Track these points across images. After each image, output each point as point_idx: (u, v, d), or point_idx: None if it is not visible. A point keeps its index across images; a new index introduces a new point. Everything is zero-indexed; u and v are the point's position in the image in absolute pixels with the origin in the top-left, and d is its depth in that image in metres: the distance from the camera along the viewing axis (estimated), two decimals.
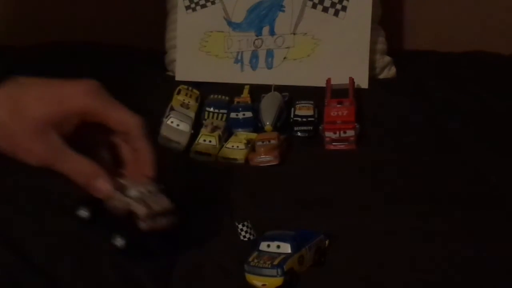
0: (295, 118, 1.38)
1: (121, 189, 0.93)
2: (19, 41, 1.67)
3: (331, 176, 1.24)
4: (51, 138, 0.91)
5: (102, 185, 0.91)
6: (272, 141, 1.30)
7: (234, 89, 1.48)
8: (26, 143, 0.90)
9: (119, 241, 0.91)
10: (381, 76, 1.58)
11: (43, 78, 0.92)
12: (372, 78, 1.53)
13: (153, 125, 1.33)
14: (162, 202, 0.91)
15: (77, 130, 0.93)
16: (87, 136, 0.94)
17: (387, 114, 1.42)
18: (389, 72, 1.58)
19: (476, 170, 1.24)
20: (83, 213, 0.94)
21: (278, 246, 0.98)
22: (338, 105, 1.36)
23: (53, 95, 0.91)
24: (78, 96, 0.92)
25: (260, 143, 1.30)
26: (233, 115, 1.39)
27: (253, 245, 1.01)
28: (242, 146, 1.30)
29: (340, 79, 1.44)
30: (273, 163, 1.27)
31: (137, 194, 0.91)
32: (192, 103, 1.41)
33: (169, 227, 0.92)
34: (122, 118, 0.94)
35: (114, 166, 0.96)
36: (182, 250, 1.06)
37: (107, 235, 0.91)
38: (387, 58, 1.58)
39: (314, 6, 1.53)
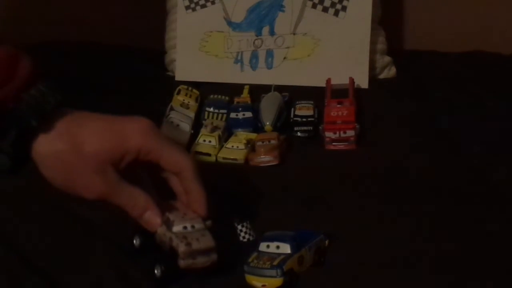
0: (295, 118, 1.38)
1: (168, 223, 0.94)
2: (19, 41, 1.67)
3: (331, 176, 1.24)
4: (109, 174, 0.92)
5: (152, 219, 0.94)
6: (272, 141, 1.30)
7: (234, 89, 1.48)
8: (85, 179, 0.92)
9: (157, 272, 0.92)
10: (381, 76, 1.58)
11: (96, 113, 0.95)
12: (372, 78, 1.53)
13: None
14: (204, 240, 0.91)
15: (128, 166, 0.94)
16: (135, 172, 0.96)
17: (387, 114, 1.42)
18: (389, 72, 1.58)
19: (476, 170, 1.24)
20: (136, 241, 0.96)
21: (278, 247, 0.98)
22: (338, 105, 1.36)
23: (112, 132, 0.93)
24: (136, 134, 0.93)
25: (260, 143, 1.30)
26: (233, 115, 1.39)
27: (253, 245, 1.01)
28: (242, 146, 1.30)
29: (340, 79, 1.44)
30: (273, 163, 1.27)
31: (180, 230, 0.92)
32: (192, 103, 1.41)
33: (209, 266, 0.92)
34: (176, 159, 0.95)
35: (160, 200, 0.97)
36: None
37: (150, 264, 0.93)
38: (387, 58, 1.58)
39: (314, 6, 1.53)
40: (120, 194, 0.93)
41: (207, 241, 0.92)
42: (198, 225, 0.93)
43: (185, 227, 0.92)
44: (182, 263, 0.91)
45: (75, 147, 0.91)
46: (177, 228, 0.93)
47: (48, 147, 0.92)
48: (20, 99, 0.90)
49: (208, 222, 0.95)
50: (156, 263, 0.93)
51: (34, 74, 0.92)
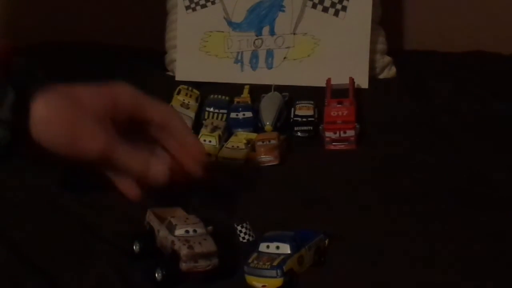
0: (295, 118, 1.38)
1: (170, 227, 0.95)
2: (19, 41, 1.67)
3: (331, 176, 1.24)
4: (110, 128, 0.94)
5: (161, 171, 0.95)
6: (272, 141, 1.30)
7: (234, 89, 1.48)
8: (89, 128, 0.92)
9: (158, 275, 0.92)
10: (381, 76, 1.58)
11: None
12: (372, 78, 1.53)
13: None
14: (206, 244, 0.92)
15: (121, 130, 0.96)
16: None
17: (387, 114, 1.42)
18: (389, 72, 1.58)
19: (476, 170, 1.24)
20: (135, 247, 0.97)
21: (278, 247, 0.98)
22: (338, 105, 1.36)
23: (103, 92, 0.95)
24: (125, 93, 0.97)
25: (260, 143, 1.29)
26: (233, 115, 1.39)
27: (253, 246, 1.01)
28: (242, 146, 1.30)
29: (340, 79, 1.44)
30: (273, 163, 1.27)
31: (183, 234, 0.93)
32: (192, 103, 1.41)
33: (210, 271, 0.93)
34: (165, 110, 0.99)
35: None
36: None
37: (151, 268, 0.94)
38: (387, 58, 1.58)
39: (314, 6, 1.53)
40: (121, 150, 0.94)
41: (209, 245, 0.93)
42: (200, 230, 0.94)
43: (187, 231, 0.94)
44: (184, 266, 0.92)
45: (74, 102, 0.92)
46: (179, 231, 0.93)
47: (48, 106, 0.91)
48: (9, 68, 0.91)
49: (210, 227, 0.96)
50: (157, 267, 0.93)
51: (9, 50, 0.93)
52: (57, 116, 0.92)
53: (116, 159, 0.94)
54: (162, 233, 0.95)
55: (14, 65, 0.93)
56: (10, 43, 0.95)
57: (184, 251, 0.91)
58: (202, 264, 0.91)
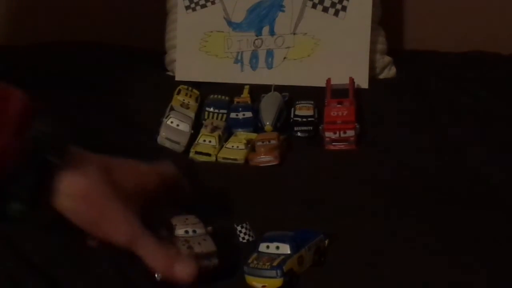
0: (295, 118, 1.38)
1: (170, 227, 0.94)
2: (19, 41, 1.67)
3: (331, 176, 1.24)
4: (137, 216, 0.85)
5: (187, 268, 0.88)
6: (272, 141, 1.30)
7: (234, 89, 1.48)
8: (120, 216, 0.84)
9: (158, 276, 0.90)
10: (381, 76, 1.58)
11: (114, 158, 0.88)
12: (372, 78, 1.53)
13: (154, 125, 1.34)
14: (205, 245, 0.93)
15: None
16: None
17: (387, 114, 1.42)
18: (389, 72, 1.58)
19: (476, 170, 1.24)
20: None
21: (277, 247, 0.98)
22: (338, 105, 1.36)
23: (139, 175, 0.88)
24: (172, 177, 0.93)
25: (260, 143, 1.30)
26: (233, 115, 1.39)
27: (253, 246, 1.01)
28: (242, 146, 1.30)
29: (340, 79, 1.44)
30: (273, 163, 1.27)
31: (182, 234, 0.93)
32: (192, 103, 1.41)
33: (209, 271, 0.93)
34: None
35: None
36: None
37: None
38: (387, 58, 1.58)
39: (314, 6, 1.53)
40: (144, 244, 0.86)
41: (209, 245, 0.93)
42: (199, 230, 0.95)
43: (186, 231, 0.94)
44: None
45: (110, 180, 0.83)
46: (179, 232, 0.94)
47: (79, 179, 0.82)
48: (24, 136, 0.80)
49: (209, 228, 0.96)
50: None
51: (29, 111, 0.81)
52: (86, 196, 0.82)
53: (137, 251, 0.87)
54: (162, 233, 0.94)
55: (37, 127, 0.82)
56: (30, 102, 0.82)
57: (182, 251, 0.92)
58: (202, 265, 0.91)
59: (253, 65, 1.54)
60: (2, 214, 0.79)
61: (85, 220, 0.83)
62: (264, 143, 1.29)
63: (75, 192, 0.82)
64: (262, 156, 1.28)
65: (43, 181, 0.80)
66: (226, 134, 1.36)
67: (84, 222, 0.83)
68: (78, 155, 0.82)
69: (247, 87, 1.47)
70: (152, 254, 0.87)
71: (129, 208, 0.84)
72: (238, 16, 1.55)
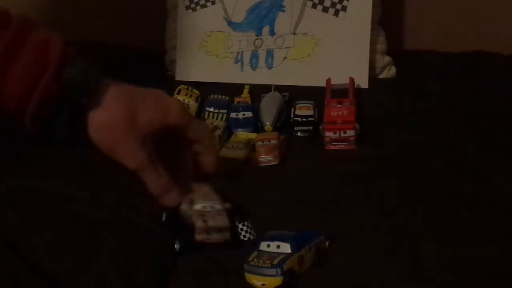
0: (295, 118, 1.38)
1: (190, 202, 1.03)
2: None
3: (331, 176, 1.24)
4: (149, 147, 1.00)
5: (174, 197, 1.03)
6: (272, 141, 1.29)
7: (234, 89, 1.48)
8: (131, 147, 0.99)
9: (177, 246, 1.02)
10: (381, 76, 1.58)
11: (137, 87, 1.03)
12: (372, 78, 1.53)
13: None
14: (220, 220, 1.01)
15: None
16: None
17: (387, 114, 1.42)
18: (389, 72, 1.58)
19: (476, 170, 1.24)
20: (163, 217, 1.04)
21: (278, 246, 0.98)
22: (338, 105, 1.36)
23: (159, 106, 1.01)
24: (176, 112, 1.02)
25: (260, 143, 1.29)
26: (233, 115, 1.39)
27: (253, 245, 1.01)
28: (242, 146, 1.31)
29: (340, 79, 1.44)
30: (273, 163, 1.27)
31: (200, 209, 1.02)
32: (192, 103, 1.41)
33: (221, 243, 1.02)
34: (204, 134, 1.06)
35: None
36: (182, 250, 1.07)
37: (172, 238, 1.03)
38: (387, 58, 1.58)
39: (314, 6, 1.53)
40: (151, 170, 1.01)
41: (222, 220, 1.01)
42: (216, 206, 1.02)
43: (204, 207, 1.02)
44: (197, 237, 1.01)
45: (129, 115, 0.98)
46: (197, 206, 1.02)
47: (102, 115, 0.97)
48: (61, 80, 0.95)
49: (227, 205, 1.03)
50: (176, 239, 1.02)
51: (67, 52, 0.97)
52: (106, 127, 0.98)
53: (143, 175, 1.01)
54: (183, 206, 1.03)
55: (70, 62, 0.97)
56: (62, 37, 0.99)
57: (198, 224, 1.00)
58: (215, 237, 1.00)
59: (253, 65, 1.54)
60: (49, 142, 0.98)
61: (106, 146, 0.98)
62: (264, 143, 1.29)
63: (99, 126, 0.97)
64: (262, 156, 1.28)
65: (77, 116, 0.96)
66: (226, 134, 1.36)
67: (105, 148, 0.98)
68: (106, 94, 0.97)
69: (247, 87, 1.47)
70: (153, 182, 1.01)
71: (141, 141, 0.98)
72: (238, 16, 1.55)
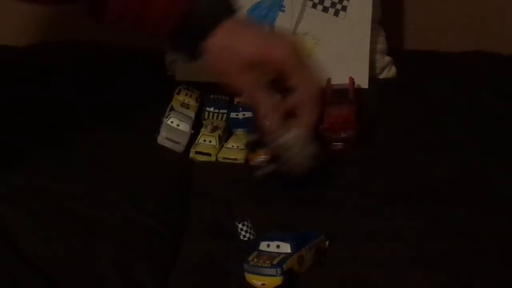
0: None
1: (280, 134, 1.13)
2: (19, 41, 1.67)
3: (331, 176, 1.23)
4: (253, 74, 1.12)
5: (275, 119, 1.13)
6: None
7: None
8: (236, 69, 1.12)
9: (258, 172, 1.14)
10: (381, 76, 1.58)
11: (253, 25, 1.18)
12: (372, 78, 1.53)
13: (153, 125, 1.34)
14: (307, 148, 1.12)
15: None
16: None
17: (387, 114, 1.42)
18: (389, 72, 1.58)
19: (476, 170, 1.24)
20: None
21: (278, 246, 0.98)
22: (338, 105, 1.36)
23: (265, 45, 1.12)
24: (284, 52, 1.12)
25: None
26: (233, 115, 1.39)
27: (253, 245, 1.01)
28: (242, 146, 1.30)
29: (340, 79, 1.44)
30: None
31: (291, 135, 1.12)
32: (192, 103, 1.41)
33: (304, 170, 1.12)
34: (306, 82, 1.13)
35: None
36: (182, 250, 1.07)
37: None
38: (387, 58, 1.58)
39: (314, 6, 1.53)
40: (257, 90, 1.13)
41: (308, 149, 1.12)
42: (307, 136, 1.13)
43: (297, 134, 1.12)
44: (283, 168, 1.13)
45: (233, 44, 1.11)
46: (291, 134, 1.12)
47: (216, 43, 1.12)
48: (193, 13, 1.11)
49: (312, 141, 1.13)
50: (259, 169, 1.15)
51: None
52: (218, 54, 1.13)
53: (253, 97, 1.14)
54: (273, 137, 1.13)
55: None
56: None
57: (286, 155, 1.12)
58: (302, 162, 1.12)
59: None
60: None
61: (217, 69, 1.14)
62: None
63: (212, 50, 1.12)
64: (262, 157, 1.27)
65: (201, 40, 1.12)
66: (226, 134, 1.36)
67: (217, 71, 1.14)
68: (223, 26, 1.12)
69: None
70: (265, 100, 1.13)
71: (251, 64, 1.11)
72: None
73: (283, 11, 1.53)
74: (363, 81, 1.50)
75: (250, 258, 0.98)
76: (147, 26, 1.13)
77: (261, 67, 1.12)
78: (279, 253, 0.98)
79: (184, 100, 1.40)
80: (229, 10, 1.13)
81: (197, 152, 1.30)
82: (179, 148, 1.32)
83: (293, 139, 1.13)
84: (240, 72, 1.11)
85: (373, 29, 1.53)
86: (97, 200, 1.14)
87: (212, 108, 1.41)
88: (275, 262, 0.96)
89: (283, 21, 1.53)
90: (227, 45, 1.11)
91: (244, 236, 1.06)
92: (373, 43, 1.53)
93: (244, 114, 1.39)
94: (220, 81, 1.16)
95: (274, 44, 1.13)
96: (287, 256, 0.97)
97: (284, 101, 1.14)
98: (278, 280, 0.96)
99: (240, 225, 1.06)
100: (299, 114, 1.14)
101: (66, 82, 1.49)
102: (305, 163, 1.13)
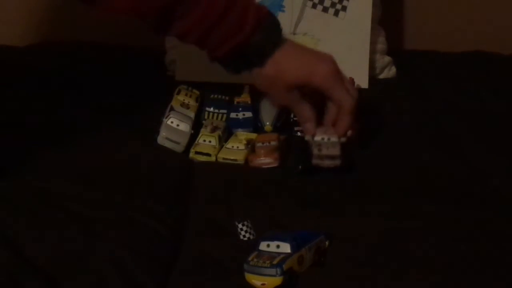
0: (295, 118, 1.38)
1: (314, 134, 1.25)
2: (19, 41, 1.67)
3: (331, 176, 1.23)
4: (295, 93, 1.24)
5: (310, 127, 1.24)
6: (273, 143, 1.29)
7: (234, 89, 1.48)
8: (281, 93, 1.24)
9: (300, 167, 1.24)
10: (381, 76, 1.58)
11: (298, 47, 1.26)
12: (372, 78, 1.53)
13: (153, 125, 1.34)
14: (332, 149, 1.22)
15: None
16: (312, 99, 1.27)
17: (387, 114, 1.42)
18: (389, 72, 1.58)
19: (476, 170, 1.24)
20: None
21: (278, 246, 0.98)
22: None
23: (306, 68, 1.23)
24: (321, 75, 1.22)
25: (260, 144, 1.29)
26: (233, 115, 1.39)
27: (253, 245, 1.01)
28: (242, 146, 1.30)
29: None
30: (273, 165, 1.27)
31: (319, 140, 1.23)
32: (192, 103, 1.41)
33: (331, 167, 1.23)
34: (341, 101, 1.23)
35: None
36: (182, 250, 1.07)
37: (296, 162, 1.25)
38: (387, 58, 1.58)
39: (314, 6, 1.53)
40: (297, 105, 1.25)
41: (334, 150, 1.22)
42: (333, 139, 1.23)
43: (323, 138, 1.23)
44: (313, 162, 1.23)
45: (279, 73, 1.22)
46: (317, 138, 1.23)
47: (264, 73, 1.23)
48: (248, 44, 1.21)
49: (343, 139, 1.23)
50: (298, 162, 1.24)
51: (260, 18, 1.21)
52: (263, 79, 1.24)
53: (293, 108, 1.28)
54: (307, 137, 1.24)
55: (260, 28, 1.21)
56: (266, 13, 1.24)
57: (315, 152, 1.23)
58: (327, 163, 1.22)
59: None
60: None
61: (264, 90, 1.27)
62: (265, 144, 1.29)
63: (261, 77, 1.24)
64: (262, 158, 1.27)
65: (251, 67, 1.24)
66: (226, 134, 1.35)
67: (262, 89, 1.27)
68: (272, 57, 1.23)
69: (247, 87, 1.47)
70: (302, 110, 1.26)
71: (290, 87, 1.23)
72: None
73: (283, 11, 1.53)
74: (363, 81, 1.50)
75: (250, 258, 0.98)
76: (207, 45, 1.24)
77: (304, 86, 1.24)
78: (279, 253, 0.97)
79: (184, 100, 1.40)
80: (279, 42, 1.23)
81: (197, 152, 1.30)
82: (179, 148, 1.32)
83: (318, 140, 1.24)
84: (285, 92, 1.24)
85: (373, 29, 1.53)
86: (97, 200, 1.14)
87: (212, 108, 1.41)
88: (275, 262, 0.96)
89: (283, 21, 1.53)
90: (274, 75, 1.22)
91: (244, 236, 1.06)
92: (373, 43, 1.53)
93: (244, 114, 1.39)
94: (266, 95, 1.31)
95: (315, 66, 1.23)
96: (287, 256, 0.97)
97: (325, 113, 1.26)
98: (278, 280, 0.96)
99: (240, 225, 1.06)
100: (337, 123, 1.24)
101: (66, 82, 1.49)
102: (328, 162, 1.23)
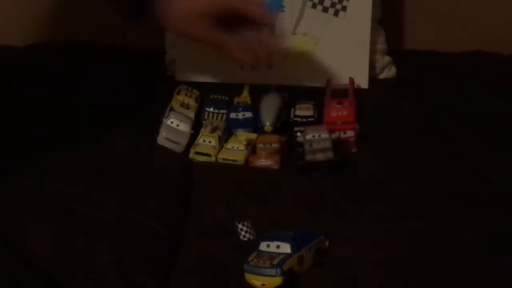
0: (295, 119, 1.38)
1: (305, 132, 1.30)
2: (19, 41, 1.67)
3: (331, 176, 1.24)
4: (208, 21, 1.21)
5: (239, 53, 1.25)
6: (274, 145, 1.29)
7: (234, 89, 1.48)
8: (198, 25, 1.22)
9: (299, 162, 1.26)
10: (381, 76, 1.58)
11: None
12: (372, 78, 1.53)
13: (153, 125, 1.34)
14: (323, 143, 1.26)
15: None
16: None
17: (387, 114, 1.42)
18: (389, 72, 1.58)
19: (476, 170, 1.24)
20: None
21: (278, 246, 0.98)
22: (338, 105, 1.36)
23: None
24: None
25: (261, 145, 1.29)
26: (233, 115, 1.39)
27: (253, 245, 1.01)
28: (242, 147, 1.30)
29: (340, 79, 1.44)
30: (273, 168, 1.27)
31: (310, 138, 1.28)
32: (192, 103, 1.41)
33: (325, 161, 1.24)
34: (259, 12, 1.23)
35: None
36: (182, 250, 1.07)
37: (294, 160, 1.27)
38: (387, 58, 1.58)
39: (314, 6, 1.53)
40: (219, 36, 1.22)
41: (325, 143, 1.26)
42: (324, 135, 1.27)
43: (313, 136, 1.27)
44: (307, 157, 1.25)
45: (192, 2, 1.22)
46: (308, 136, 1.27)
47: (170, 6, 1.22)
48: None
49: (334, 134, 1.28)
50: (297, 159, 1.26)
51: None
52: (174, 17, 1.22)
53: (224, 49, 1.24)
54: (299, 137, 1.29)
55: None
56: None
57: (307, 147, 1.26)
58: (319, 156, 1.25)
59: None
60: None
61: (178, 31, 1.27)
62: (266, 145, 1.29)
63: (170, 14, 1.22)
64: (262, 160, 1.27)
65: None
66: (226, 134, 1.35)
67: (178, 33, 1.28)
68: None
69: (247, 87, 1.47)
70: (234, 50, 1.24)
71: (200, 17, 1.22)
72: None
73: (283, 11, 1.53)
74: (363, 81, 1.50)
75: (250, 258, 0.98)
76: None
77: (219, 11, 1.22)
78: (279, 253, 0.98)
79: (184, 100, 1.40)
80: None
81: (197, 153, 1.30)
82: (179, 149, 1.32)
83: (309, 138, 1.28)
84: (201, 24, 1.22)
85: (373, 29, 1.53)
86: (97, 200, 1.15)
87: (212, 108, 1.41)
88: (275, 262, 0.96)
89: (283, 21, 1.53)
90: (188, 5, 1.22)
91: (244, 236, 1.06)
92: (373, 43, 1.53)
93: (244, 115, 1.39)
94: (181, 36, 1.29)
95: None
96: (287, 256, 0.97)
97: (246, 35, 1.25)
98: (278, 280, 0.96)
99: (240, 225, 1.06)
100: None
101: (66, 82, 1.49)
102: (320, 156, 1.26)
